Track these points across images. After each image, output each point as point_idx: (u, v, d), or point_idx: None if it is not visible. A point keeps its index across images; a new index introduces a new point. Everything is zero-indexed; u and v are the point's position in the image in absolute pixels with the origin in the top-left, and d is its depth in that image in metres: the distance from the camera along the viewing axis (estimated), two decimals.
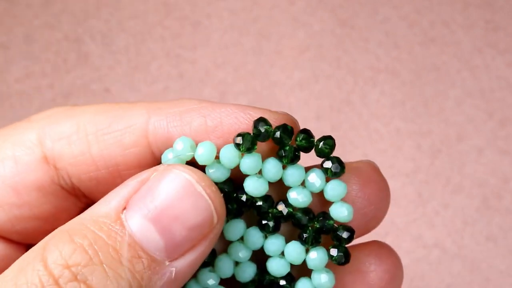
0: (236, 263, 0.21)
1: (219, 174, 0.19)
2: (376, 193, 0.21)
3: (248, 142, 0.19)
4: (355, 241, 0.21)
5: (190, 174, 0.18)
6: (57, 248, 0.17)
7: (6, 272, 0.17)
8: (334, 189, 0.20)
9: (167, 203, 0.18)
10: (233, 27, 0.64)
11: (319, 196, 0.20)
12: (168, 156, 0.19)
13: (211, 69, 0.63)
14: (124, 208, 0.18)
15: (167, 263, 0.18)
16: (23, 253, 0.20)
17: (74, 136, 0.20)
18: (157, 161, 0.20)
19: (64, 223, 0.20)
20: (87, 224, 0.17)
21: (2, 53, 0.63)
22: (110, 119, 0.20)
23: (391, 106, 0.61)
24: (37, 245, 0.17)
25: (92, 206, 0.18)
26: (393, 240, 0.57)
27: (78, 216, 0.18)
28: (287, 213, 0.20)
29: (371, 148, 0.58)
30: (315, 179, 0.20)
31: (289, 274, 0.21)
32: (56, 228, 0.20)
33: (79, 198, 0.21)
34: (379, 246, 0.21)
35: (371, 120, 0.61)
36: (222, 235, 0.20)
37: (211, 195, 0.18)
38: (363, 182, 0.20)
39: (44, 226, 0.21)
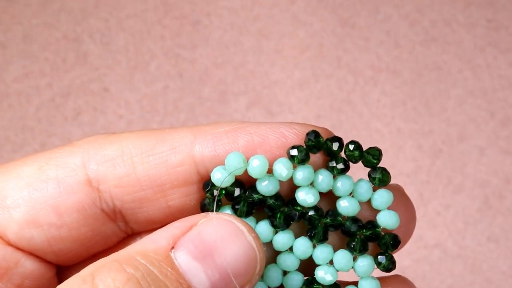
0: (284, 273, 0.21)
1: (271, 187, 0.20)
2: (405, 215, 0.22)
3: (302, 154, 0.20)
4: (376, 274, 0.21)
5: (242, 223, 0.19)
6: (110, 276, 0.17)
7: None
8: (381, 198, 0.21)
9: (217, 247, 0.18)
10: (233, 26, 0.64)
11: (363, 205, 0.21)
12: (217, 173, 0.20)
13: (210, 68, 0.63)
14: (172, 248, 0.18)
15: None
16: (54, 273, 0.21)
17: (119, 159, 0.20)
18: (203, 179, 0.21)
19: (99, 248, 0.21)
20: (137, 257, 0.18)
21: (1, 53, 0.63)
22: (153, 141, 0.20)
23: (392, 105, 0.61)
24: (81, 273, 0.18)
25: (138, 242, 0.19)
26: None
27: (124, 249, 0.19)
28: (337, 222, 0.21)
29: None
30: (364, 188, 0.21)
31: (335, 283, 0.21)
32: (90, 252, 0.21)
33: (117, 223, 0.22)
34: (402, 281, 0.22)
35: (372, 120, 0.60)
36: (270, 245, 0.21)
37: (258, 246, 0.19)
38: (392, 205, 0.21)
39: (79, 249, 0.21)
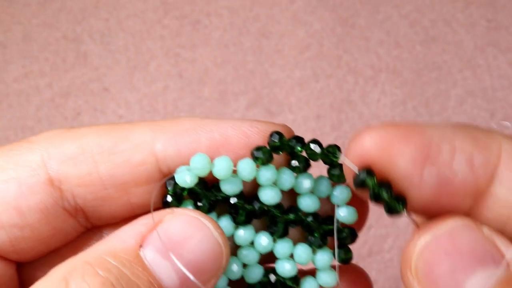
0: (244, 265, 0.22)
1: (235, 187, 0.20)
2: (360, 208, 0.22)
3: (266, 155, 0.20)
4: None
5: (208, 219, 0.19)
6: (84, 281, 0.17)
7: None
8: (340, 194, 0.21)
9: (185, 245, 0.18)
10: (233, 26, 0.64)
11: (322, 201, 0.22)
12: (181, 174, 0.20)
13: (210, 68, 0.63)
14: (141, 246, 0.18)
15: None
16: (14, 270, 0.21)
17: (81, 157, 0.20)
18: (165, 177, 0.21)
19: (59, 244, 0.21)
20: (108, 258, 0.18)
21: (1, 52, 0.63)
22: (115, 139, 0.20)
23: (392, 105, 0.61)
24: (52, 276, 0.18)
25: (105, 241, 0.19)
26: (394, 240, 0.56)
27: (93, 248, 0.19)
28: (297, 218, 0.21)
29: None
30: (324, 185, 0.21)
31: (294, 276, 0.22)
32: (50, 247, 0.21)
33: (78, 219, 0.21)
34: (357, 271, 0.23)
35: (372, 120, 0.60)
36: (231, 238, 0.21)
37: (224, 243, 0.19)
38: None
39: (40, 246, 0.21)
